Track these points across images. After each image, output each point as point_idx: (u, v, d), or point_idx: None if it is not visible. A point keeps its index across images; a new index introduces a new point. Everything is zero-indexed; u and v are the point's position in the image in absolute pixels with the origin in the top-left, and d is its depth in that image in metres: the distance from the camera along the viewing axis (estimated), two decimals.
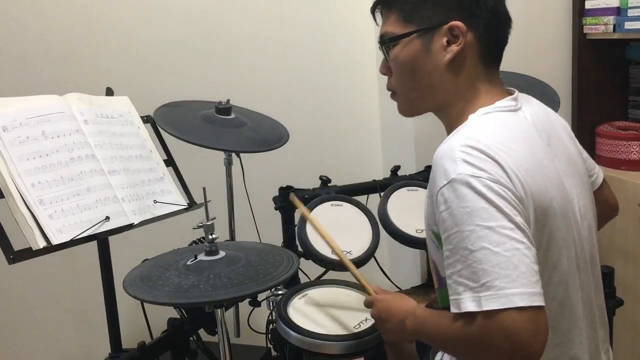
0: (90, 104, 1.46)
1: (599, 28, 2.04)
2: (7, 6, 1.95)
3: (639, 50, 2.12)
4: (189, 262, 1.26)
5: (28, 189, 1.24)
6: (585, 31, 2.12)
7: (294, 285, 1.46)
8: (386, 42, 1.05)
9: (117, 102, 1.57)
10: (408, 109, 1.10)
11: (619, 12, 1.98)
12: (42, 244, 1.21)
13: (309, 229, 1.46)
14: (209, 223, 1.28)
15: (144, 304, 1.42)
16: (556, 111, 1.59)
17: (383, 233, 1.55)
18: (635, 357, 1.91)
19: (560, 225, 0.95)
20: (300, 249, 1.51)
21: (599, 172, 1.20)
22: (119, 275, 1.35)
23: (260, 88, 2.16)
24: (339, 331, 1.25)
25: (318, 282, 1.49)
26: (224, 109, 1.71)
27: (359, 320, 1.28)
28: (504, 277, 0.81)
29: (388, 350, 1.29)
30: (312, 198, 1.60)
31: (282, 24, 2.18)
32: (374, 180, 1.75)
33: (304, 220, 1.47)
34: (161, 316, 1.48)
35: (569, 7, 2.17)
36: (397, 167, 1.80)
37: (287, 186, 1.67)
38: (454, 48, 1.00)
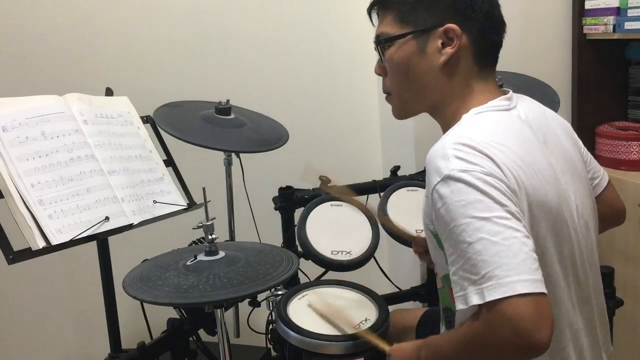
0: (90, 104, 1.46)
1: (599, 28, 2.04)
2: (7, 6, 1.95)
3: (638, 51, 2.12)
4: (188, 263, 1.26)
5: (27, 189, 1.24)
6: (585, 31, 2.12)
7: (294, 286, 1.45)
8: (382, 42, 1.06)
9: (117, 102, 1.57)
10: (402, 111, 1.11)
11: (619, 12, 1.98)
12: (41, 244, 1.21)
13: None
14: (208, 223, 1.28)
15: (144, 304, 1.41)
16: (556, 111, 1.59)
17: (383, 233, 1.55)
18: (635, 357, 1.90)
19: (554, 222, 0.95)
20: (300, 249, 1.51)
21: (604, 175, 1.20)
22: (118, 276, 1.35)
23: (260, 88, 2.15)
24: (339, 331, 1.25)
25: (318, 282, 1.49)
26: (224, 109, 1.71)
27: (359, 320, 1.28)
28: (504, 265, 0.81)
29: None
30: (312, 198, 1.60)
31: (281, 24, 2.18)
32: (374, 181, 1.75)
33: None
34: (161, 316, 1.48)
35: (568, 7, 2.17)
36: (396, 167, 1.80)
37: (287, 186, 1.67)
38: (449, 50, 1.00)
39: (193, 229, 1.31)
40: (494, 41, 1.05)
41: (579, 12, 2.13)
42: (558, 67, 2.19)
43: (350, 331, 1.22)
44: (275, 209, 1.66)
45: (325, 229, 1.49)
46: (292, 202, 1.64)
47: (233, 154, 1.76)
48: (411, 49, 1.03)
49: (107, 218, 1.34)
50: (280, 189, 1.67)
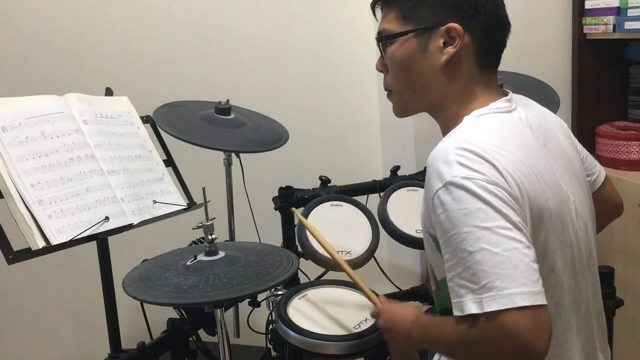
0: (90, 104, 1.46)
1: (599, 28, 2.04)
2: (7, 6, 1.95)
3: (639, 50, 2.12)
4: (188, 263, 1.26)
5: (27, 189, 1.24)
6: (585, 31, 2.12)
7: (294, 286, 1.45)
8: (383, 39, 1.06)
9: (117, 102, 1.57)
10: (402, 109, 1.11)
11: (619, 12, 1.98)
12: (41, 244, 1.21)
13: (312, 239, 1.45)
14: (208, 223, 1.28)
15: (144, 304, 1.41)
16: (556, 111, 1.59)
17: (383, 233, 1.55)
18: (635, 357, 1.90)
19: (556, 225, 0.95)
20: (300, 249, 1.51)
21: (601, 171, 1.19)
22: (118, 276, 1.35)
23: (260, 88, 2.15)
24: (339, 331, 1.25)
25: (318, 282, 1.49)
26: (224, 109, 1.71)
27: (359, 320, 1.28)
28: (505, 277, 0.81)
29: (393, 354, 1.29)
30: (312, 198, 1.60)
31: (281, 24, 2.18)
32: (374, 181, 1.75)
33: (305, 229, 1.46)
34: (161, 316, 1.48)
35: (568, 7, 2.17)
36: (396, 167, 1.80)
37: (286, 186, 1.67)
38: (450, 50, 1.00)
39: (193, 229, 1.31)
40: (497, 41, 1.04)
41: (579, 12, 2.13)
42: (558, 67, 2.19)
43: (335, 256, 1.30)
44: (275, 209, 1.66)
45: (325, 229, 1.49)
46: (292, 202, 1.64)
47: (233, 154, 1.76)
48: (413, 47, 1.02)
49: (106, 218, 1.34)
50: (280, 189, 1.67)
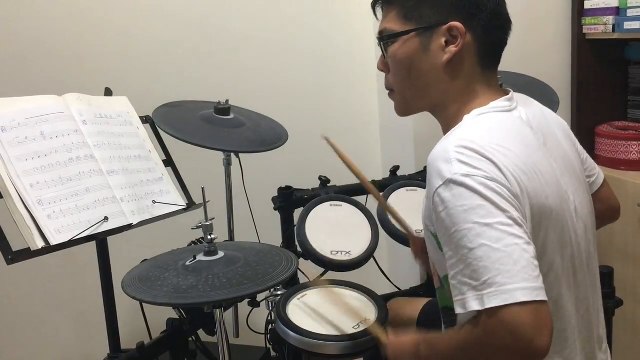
0: (89, 104, 1.46)
1: (599, 28, 2.04)
2: (6, 6, 1.95)
3: (638, 50, 2.12)
4: (188, 263, 1.26)
5: (27, 190, 1.24)
6: (584, 31, 2.12)
7: (293, 286, 1.45)
8: (385, 38, 1.06)
9: (116, 102, 1.57)
10: (404, 107, 1.11)
11: (619, 12, 1.98)
12: (40, 244, 1.21)
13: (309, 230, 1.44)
14: (207, 223, 1.28)
15: (143, 304, 1.41)
16: (556, 111, 1.59)
17: (382, 233, 1.55)
18: (635, 357, 1.90)
19: (556, 224, 0.95)
20: (299, 249, 1.51)
21: (600, 173, 1.20)
22: (117, 276, 1.35)
23: (259, 88, 2.15)
24: (338, 331, 1.25)
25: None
26: (223, 109, 1.70)
27: (358, 320, 1.28)
28: (505, 273, 0.81)
29: None
30: (311, 198, 1.60)
31: (281, 24, 2.18)
32: (374, 181, 1.74)
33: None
34: (160, 317, 1.48)
35: (568, 7, 2.17)
36: (396, 168, 1.80)
37: (286, 186, 1.67)
38: (452, 49, 1.00)
39: (192, 229, 1.30)
40: (499, 39, 1.04)
41: (579, 12, 2.13)
42: (558, 67, 2.19)
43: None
44: (275, 209, 1.66)
45: (325, 229, 1.49)
46: (291, 202, 1.64)
47: (232, 154, 1.76)
48: (414, 46, 1.02)
49: (106, 218, 1.34)
50: (280, 189, 1.67)
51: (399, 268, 2.19)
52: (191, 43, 2.10)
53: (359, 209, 1.59)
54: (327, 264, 1.45)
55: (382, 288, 1.60)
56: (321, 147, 2.23)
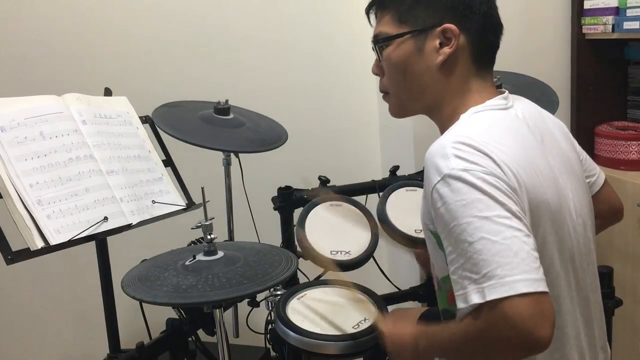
0: (89, 104, 1.46)
1: (598, 28, 2.04)
2: (6, 6, 1.95)
3: (638, 50, 2.12)
4: (187, 263, 1.26)
5: (26, 190, 1.24)
6: (584, 31, 2.12)
7: (293, 286, 1.45)
8: (379, 42, 1.07)
9: (116, 102, 1.57)
10: (399, 109, 1.11)
11: (618, 12, 1.98)
12: (40, 244, 1.21)
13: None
14: (207, 223, 1.28)
15: (143, 304, 1.41)
16: (555, 111, 1.60)
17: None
18: (635, 357, 1.90)
19: (554, 220, 0.95)
20: (299, 249, 1.51)
21: (600, 174, 1.20)
22: (117, 276, 1.35)
23: (259, 88, 2.15)
24: (338, 331, 1.25)
25: (317, 282, 1.49)
26: (223, 109, 1.70)
27: (358, 320, 1.28)
28: (505, 265, 0.81)
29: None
30: (311, 198, 1.59)
31: (280, 24, 2.18)
32: (373, 181, 1.74)
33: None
34: (160, 317, 1.48)
35: (567, 7, 2.17)
36: (396, 167, 1.80)
37: (286, 186, 1.67)
38: (446, 50, 1.01)
39: (192, 229, 1.30)
40: (492, 42, 1.05)
41: (578, 12, 2.13)
42: (557, 67, 2.19)
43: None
44: (275, 209, 1.66)
45: (325, 228, 1.49)
46: (291, 202, 1.64)
47: (232, 154, 1.76)
48: (409, 49, 1.03)
49: (105, 218, 1.34)
50: (280, 189, 1.66)
51: (399, 268, 2.19)
52: (191, 43, 2.10)
53: (359, 208, 1.59)
54: (327, 264, 1.45)
55: (382, 288, 1.60)
56: (320, 147, 2.24)
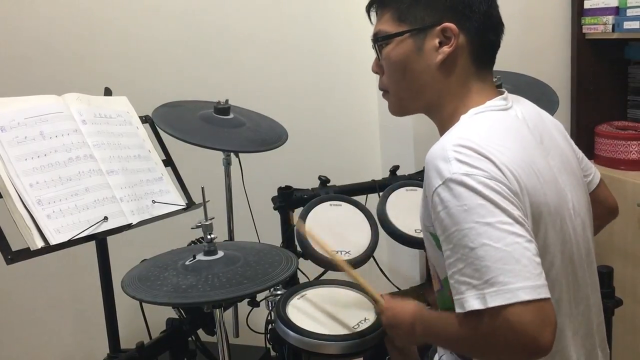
0: (89, 104, 1.46)
1: (598, 28, 2.04)
2: (6, 6, 1.95)
3: (638, 50, 2.12)
4: (187, 262, 1.26)
5: (26, 189, 1.24)
6: (584, 31, 2.12)
7: (293, 286, 1.45)
8: (379, 40, 1.07)
9: (116, 102, 1.57)
10: (399, 108, 1.11)
11: (618, 11, 1.98)
12: (40, 244, 1.21)
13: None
14: (207, 223, 1.28)
15: (143, 304, 1.41)
16: (555, 111, 1.60)
17: (382, 233, 1.55)
18: (635, 357, 1.90)
19: (555, 221, 0.95)
20: (299, 249, 1.51)
21: (596, 173, 1.20)
22: (117, 276, 1.35)
23: (259, 88, 2.15)
24: (338, 331, 1.25)
25: (317, 282, 1.49)
26: (223, 109, 1.70)
27: (358, 320, 1.28)
28: (508, 272, 0.81)
29: (392, 352, 1.29)
30: (311, 198, 1.60)
31: (281, 23, 2.18)
32: (373, 180, 1.75)
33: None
34: (160, 316, 1.48)
35: (568, 7, 2.17)
36: (396, 167, 1.80)
37: (286, 186, 1.67)
38: (446, 49, 1.01)
39: (192, 228, 1.30)
40: (492, 41, 1.05)
41: (578, 11, 2.13)
42: (557, 67, 2.19)
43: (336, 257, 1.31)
44: (275, 208, 1.66)
45: (325, 228, 1.49)
46: (291, 202, 1.64)
47: (232, 154, 1.76)
48: (408, 47, 1.03)
49: (105, 218, 1.34)
50: (280, 189, 1.67)
51: (399, 268, 2.19)
52: (191, 43, 2.10)
53: (359, 208, 1.59)
54: (327, 264, 1.45)
55: (382, 288, 1.60)
56: (320, 147, 2.24)
